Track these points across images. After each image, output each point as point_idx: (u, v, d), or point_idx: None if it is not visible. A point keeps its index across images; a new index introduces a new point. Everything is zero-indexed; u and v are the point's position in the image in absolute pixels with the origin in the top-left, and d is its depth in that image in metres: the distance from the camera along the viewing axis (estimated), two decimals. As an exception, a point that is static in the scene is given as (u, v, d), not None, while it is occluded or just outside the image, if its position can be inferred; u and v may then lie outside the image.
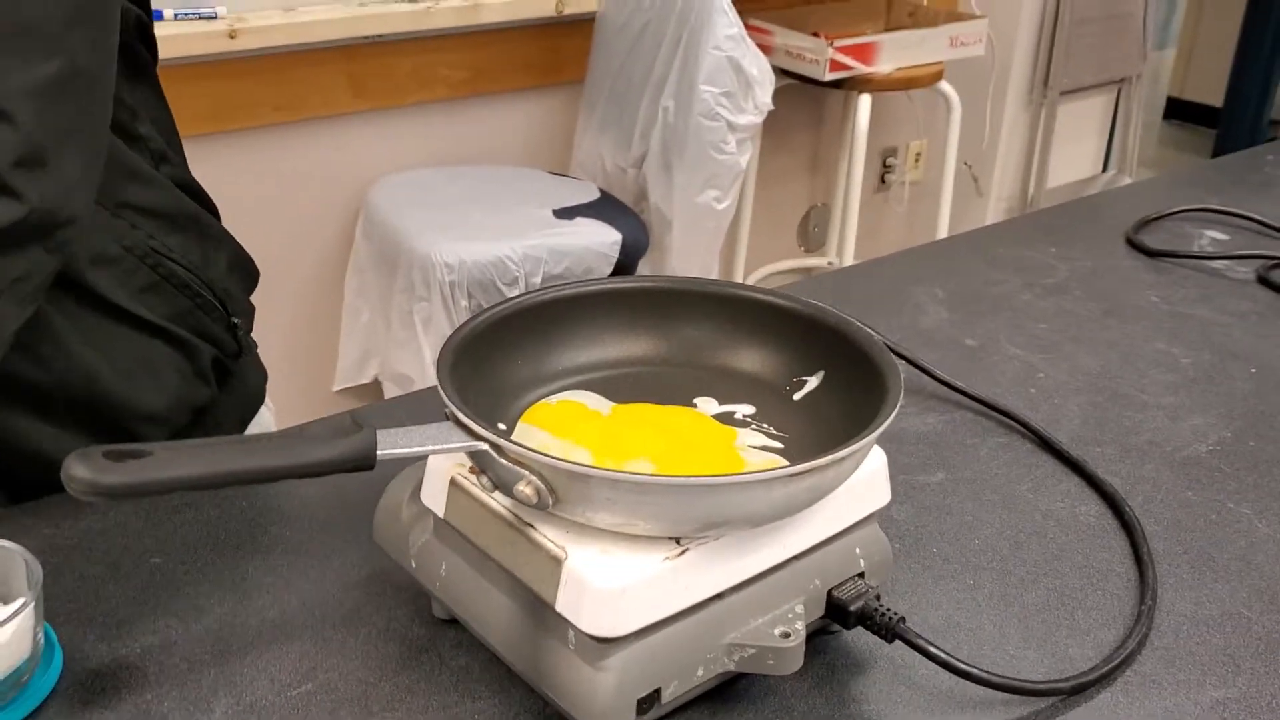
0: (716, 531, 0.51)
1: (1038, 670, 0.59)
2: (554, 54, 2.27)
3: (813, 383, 0.62)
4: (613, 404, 0.61)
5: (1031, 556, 0.68)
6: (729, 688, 0.57)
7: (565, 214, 1.98)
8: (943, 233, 2.66)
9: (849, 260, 2.48)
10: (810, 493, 0.51)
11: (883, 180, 3.09)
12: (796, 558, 0.55)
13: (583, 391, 0.62)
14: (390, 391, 2.01)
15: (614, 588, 0.49)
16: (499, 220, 1.93)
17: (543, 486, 0.49)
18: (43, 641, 0.57)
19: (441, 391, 0.52)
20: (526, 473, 0.49)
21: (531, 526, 0.52)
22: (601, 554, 0.50)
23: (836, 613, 0.56)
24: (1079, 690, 0.58)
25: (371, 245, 2.01)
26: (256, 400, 0.88)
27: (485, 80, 2.21)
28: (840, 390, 0.60)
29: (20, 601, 0.54)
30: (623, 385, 0.63)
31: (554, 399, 0.61)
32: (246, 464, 0.45)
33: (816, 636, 0.60)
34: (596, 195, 2.09)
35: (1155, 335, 0.97)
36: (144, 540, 0.67)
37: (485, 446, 0.50)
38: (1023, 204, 3.20)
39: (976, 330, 0.97)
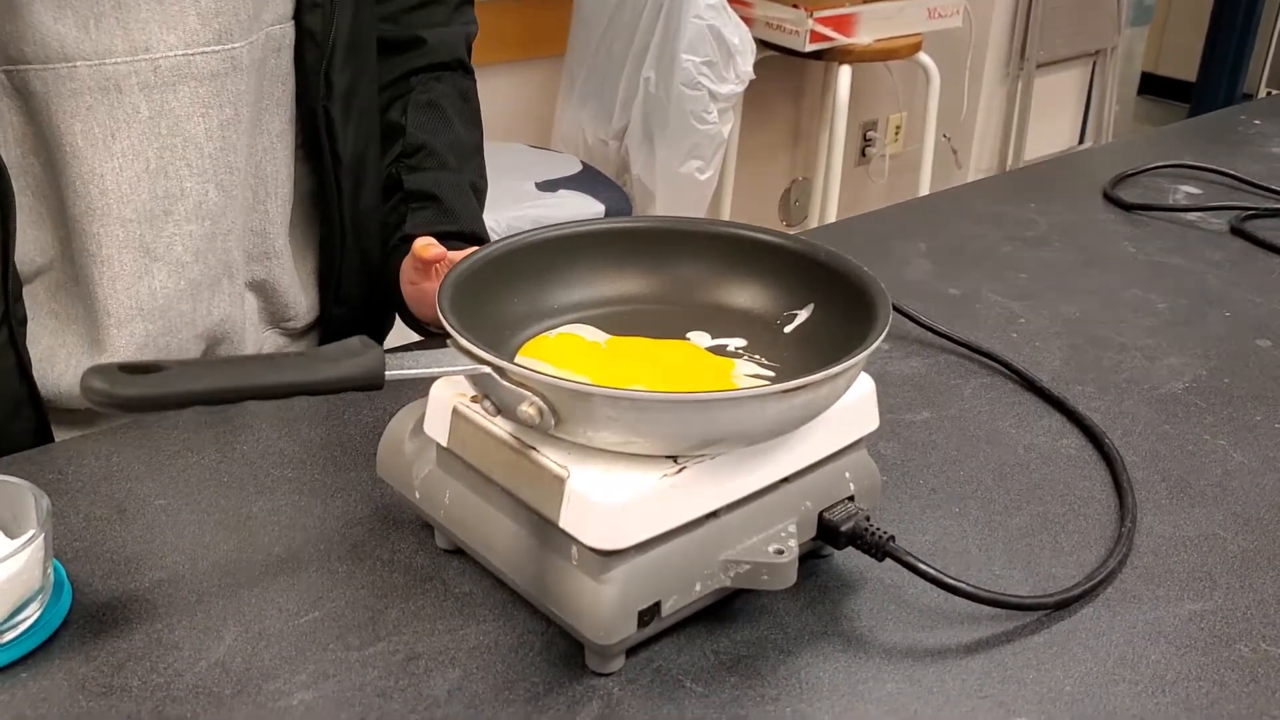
0: (713, 450, 0.53)
1: (1022, 589, 0.61)
2: (533, 27, 2.27)
3: (803, 315, 0.64)
4: (609, 336, 0.62)
5: (1015, 486, 0.70)
6: (725, 606, 0.59)
7: (548, 187, 1.99)
8: (922, 204, 2.67)
9: (830, 232, 2.50)
10: (803, 410, 0.53)
11: (863, 153, 3.11)
12: (788, 479, 0.56)
13: (579, 325, 0.63)
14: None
15: (615, 502, 0.50)
16: (482, 192, 1.94)
17: (545, 407, 0.51)
18: (52, 575, 0.58)
19: (444, 319, 0.54)
20: (529, 394, 0.51)
21: (534, 449, 0.53)
22: (603, 472, 0.51)
23: (828, 533, 0.58)
24: (1063, 605, 0.60)
25: (356, 219, 2.01)
26: None
27: (466, 54, 2.21)
28: (830, 321, 0.62)
29: (30, 533, 0.55)
30: (617, 322, 0.64)
31: (551, 333, 0.63)
32: (258, 380, 0.46)
33: (809, 560, 0.62)
34: (579, 168, 2.10)
35: (1133, 283, 0.99)
36: (148, 484, 0.68)
37: (488, 369, 0.52)
38: (1001, 177, 3.23)
39: (959, 280, 0.99)
